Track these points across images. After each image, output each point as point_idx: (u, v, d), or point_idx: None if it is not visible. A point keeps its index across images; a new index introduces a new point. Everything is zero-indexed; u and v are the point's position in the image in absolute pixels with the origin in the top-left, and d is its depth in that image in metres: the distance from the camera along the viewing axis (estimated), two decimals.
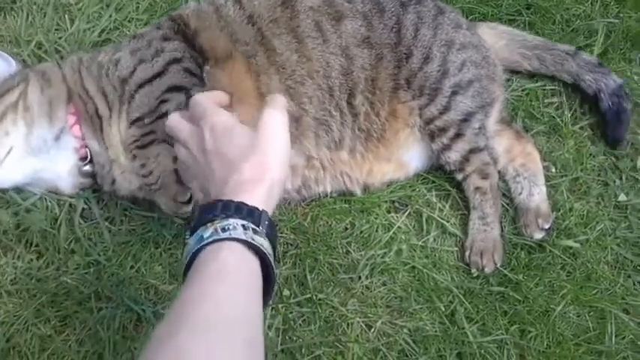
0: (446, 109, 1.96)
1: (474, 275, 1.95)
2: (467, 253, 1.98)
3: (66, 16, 2.18)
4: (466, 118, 1.98)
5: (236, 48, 1.86)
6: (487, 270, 1.95)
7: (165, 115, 1.67)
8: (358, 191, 2.01)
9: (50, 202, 1.88)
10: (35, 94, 1.82)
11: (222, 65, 1.85)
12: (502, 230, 2.02)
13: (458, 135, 1.97)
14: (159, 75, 1.79)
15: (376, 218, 2.01)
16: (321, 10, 1.96)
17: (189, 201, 1.74)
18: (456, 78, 1.98)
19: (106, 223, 1.90)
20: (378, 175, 2.01)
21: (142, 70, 1.81)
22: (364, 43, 1.94)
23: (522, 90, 2.27)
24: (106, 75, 1.84)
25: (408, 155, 2.03)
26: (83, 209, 1.90)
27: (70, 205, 1.89)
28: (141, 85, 1.79)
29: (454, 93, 1.97)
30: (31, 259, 1.83)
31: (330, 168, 1.96)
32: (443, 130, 1.97)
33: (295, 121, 1.87)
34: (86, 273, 1.81)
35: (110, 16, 2.20)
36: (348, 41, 1.93)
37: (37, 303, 1.76)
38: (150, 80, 1.79)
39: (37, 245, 1.84)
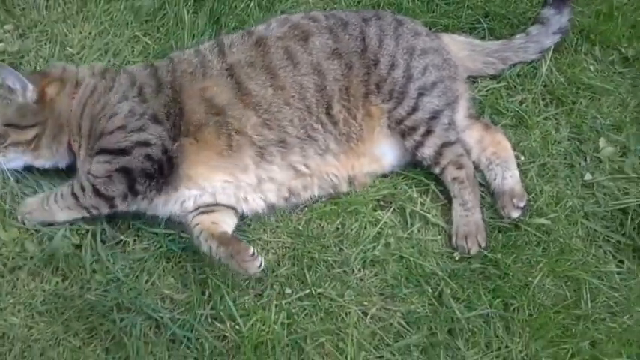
0: (414, 110, 2.19)
1: (457, 258, 2.15)
2: (453, 239, 2.17)
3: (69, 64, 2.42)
4: (434, 116, 2.20)
5: (209, 120, 2.09)
6: (472, 251, 2.14)
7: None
8: (345, 187, 2.22)
9: (70, 229, 2.09)
10: None
11: (193, 134, 2.09)
12: (482, 215, 2.21)
13: (428, 132, 2.19)
14: (123, 152, 2.04)
15: (364, 217, 2.21)
16: (288, 35, 2.21)
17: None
18: (421, 81, 2.20)
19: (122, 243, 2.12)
20: (358, 169, 2.22)
21: (115, 136, 2.05)
22: (333, 54, 2.18)
23: (487, 90, 2.49)
24: (98, 121, 2.10)
25: (380, 150, 2.24)
26: (100, 233, 2.11)
27: (88, 230, 2.10)
28: (101, 152, 2.06)
29: (420, 94, 2.20)
30: (57, 281, 2.05)
31: (318, 173, 2.18)
32: (413, 129, 2.19)
33: (279, 143, 2.12)
34: (107, 289, 2.02)
35: (109, 61, 2.46)
36: (319, 56, 2.17)
37: (66, 319, 1.98)
38: (113, 152, 2.04)
39: (62, 269, 2.06)
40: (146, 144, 2.03)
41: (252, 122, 2.10)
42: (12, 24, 2.51)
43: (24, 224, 2.11)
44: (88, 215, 2.07)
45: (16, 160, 2.15)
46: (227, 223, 2.11)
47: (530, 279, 2.09)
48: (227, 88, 2.12)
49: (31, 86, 2.10)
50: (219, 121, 2.09)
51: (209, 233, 2.03)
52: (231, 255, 1.97)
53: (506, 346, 2.01)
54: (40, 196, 2.13)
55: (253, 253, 1.96)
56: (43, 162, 2.18)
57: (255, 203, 2.14)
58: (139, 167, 2.02)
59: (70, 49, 2.48)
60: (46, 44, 2.50)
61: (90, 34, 2.54)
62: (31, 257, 2.06)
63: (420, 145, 2.20)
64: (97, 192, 2.02)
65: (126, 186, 2.02)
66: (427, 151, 2.20)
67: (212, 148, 2.08)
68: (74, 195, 2.04)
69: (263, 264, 1.99)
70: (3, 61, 2.38)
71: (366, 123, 2.20)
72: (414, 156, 2.23)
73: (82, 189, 2.03)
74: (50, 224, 2.10)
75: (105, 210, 2.05)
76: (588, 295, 2.09)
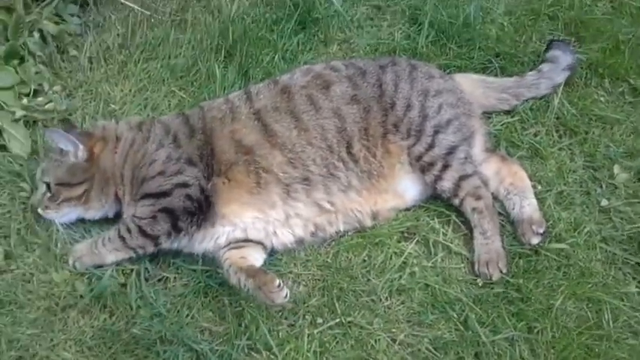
0: (431, 147, 2.33)
1: (480, 285, 2.24)
2: (475, 267, 2.27)
3: (112, 119, 2.64)
4: (450, 152, 2.34)
5: (239, 159, 2.28)
6: (494, 277, 2.23)
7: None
8: (369, 221, 2.36)
9: (116, 269, 2.26)
10: None
11: (225, 173, 2.27)
12: (503, 242, 2.31)
13: (445, 166, 2.33)
14: (164, 194, 2.22)
15: (389, 248, 2.33)
16: (311, 84, 2.40)
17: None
18: (436, 120, 2.36)
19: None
20: (381, 204, 2.36)
21: (156, 181, 2.24)
22: (352, 100, 2.36)
23: (502, 124, 2.63)
24: (139, 169, 2.29)
25: (402, 185, 2.38)
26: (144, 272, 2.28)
27: (132, 270, 2.27)
28: (145, 196, 2.24)
29: (436, 132, 2.35)
30: (105, 318, 2.20)
31: (342, 209, 2.32)
32: (431, 164, 2.33)
33: (304, 180, 2.28)
34: (151, 323, 2.16)
35: (148, 114, 2.68)
36: (339, 102, 2.35)
37: (113, 352, 2.12)
38: (156, 196, 2.23)
39: (109, 306, 2.21)
40: (185, 185, 2.21)
41: (278, 161, 2.27)
42: (60, 85, 2.76)
43: (75, 268, 2.28)
44: (134, 255, 2.24)
45: (68, 214, 2.35)
46: (255, 258, 2.26)
47: (552, 302, 2.17)
48: (255, 130, 2.30)
49: (81, 146, 2.32)
50: (248, 160, 2.27)
51: (238, 266, 2.18)
52: (259, 286, 2.10)
53: None
54: (88, 242, 2.31)
55: (279, 284, 2.09)
56: (93, 213, 2.38)
57: (284, 237, 2.29)
58: (181, 206, 2.20)
59: (112, 106, 2.72)
60: (91, 102, 2.74)
61: (130, 91, 2.78)
62: (81, 296, 2.22)
63: (438, 178, 2.34)
64: (143, 232, 2.19)
65: (169, 224, 2.19)
66: (446, 184, 2.33)
67: (242, 186, 2.25)
68: (121, 237, 2.21)
69: (289, 294, 2.12)
70: (52, 118, 2.63)
71: (386, 160, 2.35)
72: (434, 189, 2.36)
73: (129, 231, 2.20)
74: (99, 266, 2.27)
75: (150, 248, 2.22)
76: (610, 315, 2.15)
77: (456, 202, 2.36)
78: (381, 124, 2.35)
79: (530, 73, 2.67)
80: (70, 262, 2.28)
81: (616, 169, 2.51)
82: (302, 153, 2.29)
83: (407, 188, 2.39)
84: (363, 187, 2.33)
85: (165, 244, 2.23)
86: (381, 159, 2.35)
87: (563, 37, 2.87)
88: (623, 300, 2.19)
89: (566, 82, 2.68)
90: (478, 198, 2.33)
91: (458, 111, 2.41)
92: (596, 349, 2.08)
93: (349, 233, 2.37)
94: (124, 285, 2.25)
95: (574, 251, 2.29)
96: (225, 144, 2.29)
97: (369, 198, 2.34)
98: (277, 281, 2.09)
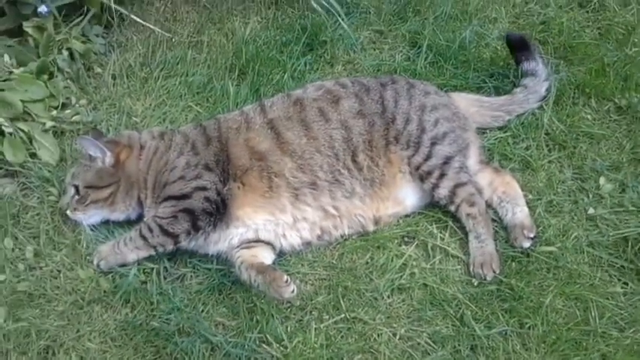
0: (428, 157, 2.53)
1: (475, 284, 2.41)
2: (471, 268, 2.44)
3: (134, 131, 2.84)
4: (446, 162, 2.53)
5: (252, 165, 2.47)
6: (488, 278, 2.40)
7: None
8: (371, 226, 2.53)
9: (138, 268, 2.43)
10: None
11: (240, 178, 2.46)
12: (496, 245, 2.47)
13: (442, 175, 2.51)
14: (185, 196, 2.41)
15: (390, 251, 2.50)
16: (322, 98, 2.60)
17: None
18: (433, 132, 2.55)
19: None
20: (383, 211, 2.54)
21: (177, 185, 2.44)
22: (359, 114, 2.56)
23: (495, 139, 2.82)
24: (162, 174, 2.48)
25: (402, 193, 2.56)
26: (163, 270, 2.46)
27: (153, 269, 2.44)
28: (167, 199, 2.43)
29: (433, 144, 2.54)
30: (127, 312, 2.37)
31: (346, 214, 2.50)
32: (429, 173, 2.52)
33: (311, 185, 2.46)
34: (169, 317, 2.32)
35: (167, 127, 2.87)
36: (346, 115, 2.55)
37: (135, 343, 2.28)
38: (177, 197, 2.42)
39: (131, 301, 2.38)
40: (203, 188, 2.40)
41: (288, 166, 2.46)
42: (85, 99, 2.96)
43: (99, 267, 2.44)
44: (154, 253, 2.42)
45: (95, 215, 2.53)
46: (265, 257, 2.43)
47: (542, 300, 2.33)
48: (268, 138, 2.50)
49: (109, 153, 2.51)
50: (262, 166, 2.46)
51: (249, 263, 2.35)
52: (268, 282, 2.28)
53: None
54: (111, 243, 2.48)
55: (287, 280, 2.27)
56: (118, 215, 2.56)
57: (292, 239, 2.47)
58: (200, 207, 2.38)
59: (134, 119, 2.93)
60: (114, 115, 2.95)
61: (150, 105, 2.99)
62: (104, 292, 2.39)
63: (435, 186, 2.52)
64: (164, 230, 2.37)
65: (189, 223, 2.37)
66: (442, 192, 2.51)
67: (256, 190, 2.44)
68: (143, 236, 2.39)
69: (296, 290, 2.30)
70: (79, 130, 2.83)
71: (388, 169, 2.54)
72: (432, 196, 2.54)
73: (150, 230, 2.38)
74: (122, 265, 2.44)
75: (170, 246, 2.40)
76: (596, 313, 2.31)
77: (452, 208, 2.54)
78: (384, 136, 2.55)
79: (518, 90, 2.86)
80: (95, 262, 2.45)
81: (602, 180, 2.68)
82: (310, 160, 2.48)
83: (407, 196, 2.57)
84: (366, 195, 2.51)
85: (184, 242, 2.40)
86: (384, 168, 2.54)
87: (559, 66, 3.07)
88: (608, 299, 2.35)
89: (555, 100, 2.87)
90: (472, 205, 2.51)
91: (453, 124, 2.61)
92: (584, 344, 2.23)
93: (353, 237, 2.54)
94: (144, 282, 2.42)
95: (563, 254, 2.46)
96: (240, 151, 2.49)
97: (371, 205, 2.52)
98: (285, 277, 2.27)
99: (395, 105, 2.59)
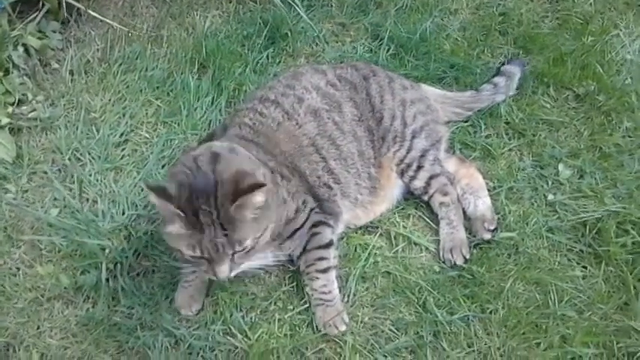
0: (409, 150, 2.56)
1: (437, 270, 2.44)
2: (441, 254, 2.47)
3: (93, 127, 2.83)
4: (423, 154, 2.57)
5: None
6: (458, 262, 2.43)
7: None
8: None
9: (100, 262, 2.40)
10: None
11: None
12: (465, 232, 2.50)
13: (419, 167, 2.55)
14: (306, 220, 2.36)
15: (354, 240, 2.51)
16: (328, 106, 2.52)
17: None
18: (412, 126, 2.59)
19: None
20: (378, 213, 2.57)
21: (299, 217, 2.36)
22: (359, 121, 2.55)
23: (456, 127, 2.85)
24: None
25: (393, 192, 2.60)
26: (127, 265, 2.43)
27: (115, 264, 2.41)
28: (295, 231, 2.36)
29: (413, 137, 2.58)
30: (88, 308, 2.34)
31: (346, 223, 2.51)
32: (409, 165, 2.56)
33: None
34: (131, 312, 2.30)
35: (126, 122, 2.85)
36: (352, 124, 2.53)
37: (96, 338, 2.26)
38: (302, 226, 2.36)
39: (92, 297, 2.35)
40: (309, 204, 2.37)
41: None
42: (42, 95, 2.91)
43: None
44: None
45: None
46: None
47: (503, 285, 2.36)
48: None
49: None
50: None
51: None
52: None
53: (486, 344, 2.25)
54: (320, 307, 2.31)
55: None
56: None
57: None
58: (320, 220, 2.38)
59: (93, 114, 2.88)
60: (72, 110, 2.90)
61: (110, 100, 2.94)
62: (65, 288, 2.36)
63: (413, 178, 2.55)
64: (321, 247, 2.34)
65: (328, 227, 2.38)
66: (418, 183, 2.55)
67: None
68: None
69: None
70: (36, 126, 2.78)
71: (380, 174, 2.56)
72: (408, 187, 2.58)
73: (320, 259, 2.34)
74: None
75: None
76: (556, 296, 2.35)
77: (426, 198, 2.57)
78: (378, 140, 2.57)
79: (486, 87, 2.89)
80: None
81: (561, 167, 2.72)
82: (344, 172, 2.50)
83: (396, 191, 2.61)
84: (366, 203, 2.53)
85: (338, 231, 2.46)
86: (376, 174, 2.55)
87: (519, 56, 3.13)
88: (567, 282, 2.39)
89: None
90: (445, 194, 2.54)
91: (428, 118, 2.64)
92: (544, 326, 2.27)
93: None
94: (107, 279, 2.38)
95: (523, 240, 2.49)
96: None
97: (370, 212, 2.55)
98: None
99: (381, 101, 2.61)
